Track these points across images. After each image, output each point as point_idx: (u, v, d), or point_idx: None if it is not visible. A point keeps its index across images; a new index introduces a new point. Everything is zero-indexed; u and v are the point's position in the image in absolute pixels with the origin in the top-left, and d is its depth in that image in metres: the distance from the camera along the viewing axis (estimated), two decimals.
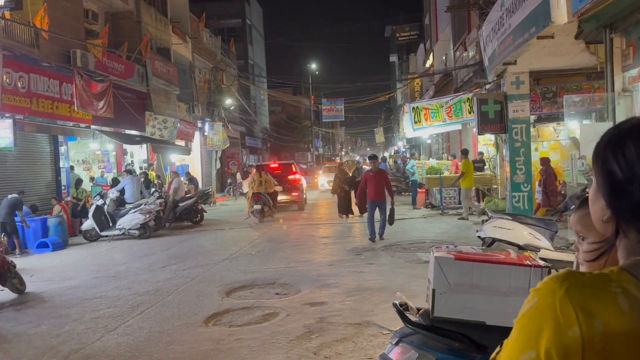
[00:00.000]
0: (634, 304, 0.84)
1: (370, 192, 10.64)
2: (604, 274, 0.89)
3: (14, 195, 11.38)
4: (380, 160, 15.32)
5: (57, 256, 11.11)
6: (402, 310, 2.72)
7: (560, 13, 6.68)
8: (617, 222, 0.94)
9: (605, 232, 0.97)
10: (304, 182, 19.36)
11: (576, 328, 0.84)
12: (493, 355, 1.02)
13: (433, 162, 19.12)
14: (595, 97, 9.91)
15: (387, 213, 10.59)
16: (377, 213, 10.73)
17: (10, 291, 7.65)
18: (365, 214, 11.67)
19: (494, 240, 5.99)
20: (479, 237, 6.29)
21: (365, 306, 6.03)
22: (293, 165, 19.69)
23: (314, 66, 50.01)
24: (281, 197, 17.52)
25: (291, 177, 18.40)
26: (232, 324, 5.80)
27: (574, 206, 6.86)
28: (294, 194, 18.03)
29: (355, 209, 14.13)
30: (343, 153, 75.49)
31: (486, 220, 6.82)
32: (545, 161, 11.89)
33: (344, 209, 14.93)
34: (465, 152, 14.16)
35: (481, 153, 16.15)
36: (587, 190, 6.94)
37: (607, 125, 7.46)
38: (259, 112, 42.71)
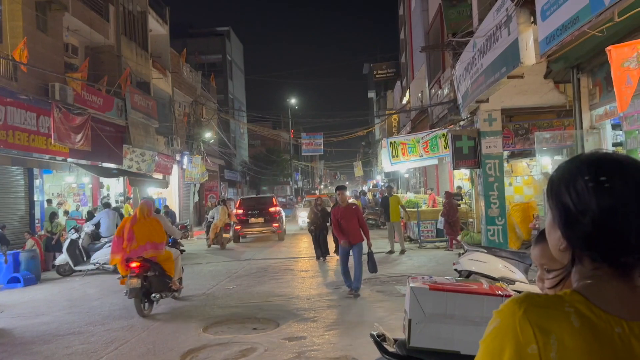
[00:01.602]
0: (585, 322, 0.92)
1: (339, 233, 8.64)
2: (558, 296, 0.97)
3: None
4: (359, 194, 15.05)
5: (29, 291, 10.83)
6: (379, 340, 2.76)
7: (529, 54, 6.99)
8: (573, 251, 1.01)
9: (563, 260, 1.05)
10: (283, 214, 20.50)
11: (534, 345, 0.91)
12: None
13: (411, 195, 19.35)
14: (565, 134, 10.27)
15: (366, 258, 8.80)
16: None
17: None
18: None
19: (470, 273, 6.10)
20: (455, 269, 6.39)
21: (343, 340, 6.02)
22: (274, 199, 20.84)
23: (293, 101, 50.66)
24: (262, 228, 19.01)
25: (272, 209, 19.45)
26: None
27: None
28: (274, 224, 19.15)
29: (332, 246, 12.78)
30: (322, 187, 75.69)
31: (463, 254, 6.94)
32: (448, 195, 13.81)
33: (322, 249, 13.38)
34: (389, 188, 15.78)
35: (459, 187, 16.43)
36: None
37: None
38: (239, 146, 42.82)
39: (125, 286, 7.81)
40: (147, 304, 7.94)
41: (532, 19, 6.98)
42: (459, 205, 15.27)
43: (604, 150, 1.07)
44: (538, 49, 6.78)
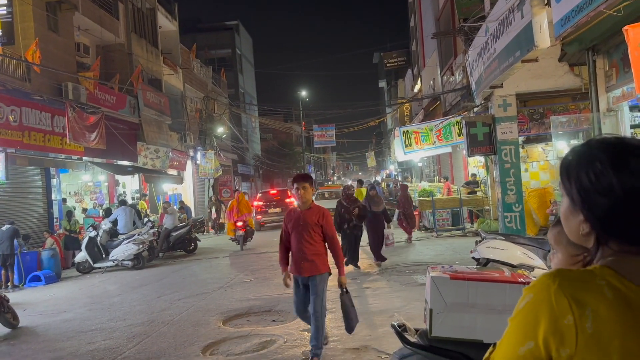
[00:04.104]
0: (617, 294, 0.95)
1: (283, 257, 5.28)
2: (589, 270, 1.00)
3: (9, 225, 11.28)
4: (373, 184, 13.04)
5: (50, 289, 11.00)
6: (400, 331, 2.75)
7: (543, 37, 6.87)
8: (597, 234, 1.03)
9: (586, 244, 1.06)
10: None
11: (570, 316, 0.94)
12: (487, 355, 1.09)
13: (425, 184, 19.25)
14: (582, 118, 10.11)
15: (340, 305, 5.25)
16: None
17: (4, 326, 7.55)
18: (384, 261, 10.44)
19: (488, 260, 6.04)
20: (473, 258, 6.34)
21: (363, 331, 6.02)
22: (288, 191, 23.15)
23: (304, 93, 50.55)
24: (280, 217, 20.42)
25: (287, 200, 21.93)
26: (229, 352, 5.77)
27: None
28: None
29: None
30: (335, 178, 75.64)
31: (480, 241, 6.88)
32: (403, 187, 14.49)
33: (353, 254, 10.43)
34: (360, 182, 17.21)
35: (474, 175, 16.31)
36: None
37: None
38: (251, 140, 42.90)
39: (232, 238, 15.53)
40: (244, 245, 15.13)
41: (545, 1, 6.86)
42: (475, 192, 15.19)
43: (614, 135, 1.08)
44: (552, 31, 6.66)
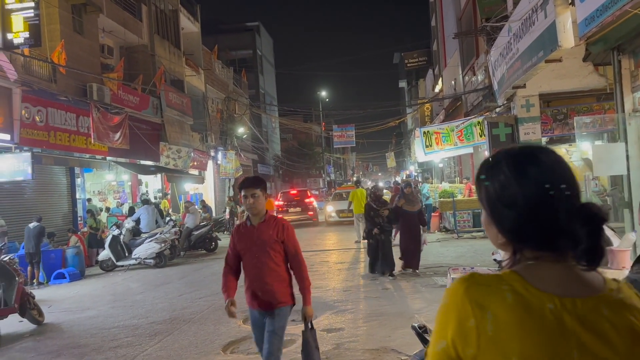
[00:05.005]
0: (517, 298, 0.99)
1: (228, 283, 4.15)
2: (498, 275, 1.05)
3: (36, 223, 11.51)
4: (401, 185, 11.71)
5: (75, 287, 11.21)
6: (420, 332, 2.74)
7: (567, 37, 6.78)
8: (512, 244, 1.09)
9: (506, 251, 1.12)
10: (316, 204, 24.03)
11: (472, 319, 0.99)
12: (426, 349, 1.17)
13: (446, 185, 19.11)
14: (606, 118, 9.93)
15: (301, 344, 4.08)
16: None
17: (30, 322, 7.73)
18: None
19: None
20: (494, 260, 6.29)
21: (382, 331, 6.02)
22: (308, 191, 25.36)
23: (324, 93, 50.57)
24: (300, 216, 22.45)
25: (307, 200, 23.22)
26: (250, 351, 5.81)
27: None
28: (309, 213, 22.65)
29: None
30: (354, 178, 75.46)
31: None
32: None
33: (388, 260, 9.53)
34: (357, 182, 17.83)
35: None
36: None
37: (620, 145, 7.48)
38: (271, 140, 43.11)
39: None
40: None
41: (569, 0, 6.76)
42: None
43: (521, 144, 1.14)
44: (576, 31, 6.56)
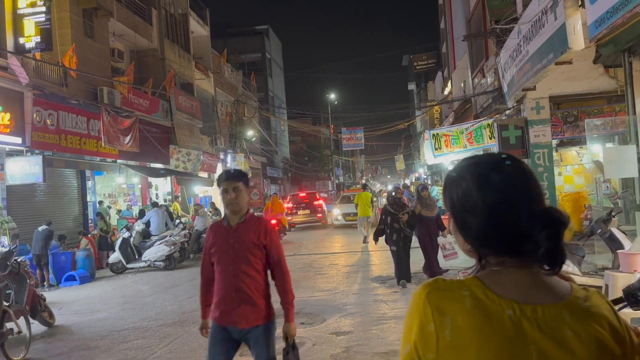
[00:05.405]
0: (477, 304, 1.00)
1: (205, 297, 3.55)
2: (460, 281, 1.06)
3: (45, 227, 11.62)
4: (401, 189, 11.20)
5: (85, 289, 11.28)
6: None
7: (577, 39, 6.74)
8: (477, 250, 1.10)
9: (473, 257, 1.13)
10: (325, 207, 24.46)
11: (432, 324, 1.01)
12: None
13: None
14: (617, 121, 9.86)
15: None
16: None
17: (40, 324, 7.78)
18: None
19: None
20: None
21: (391, 335, 6.00)
22: (317, 194, 25.93)
23: (332, 96, 50.59)
24: (309, 218, 23.20)
25: (316, 202, 23.71)
26: None
27: (600, 230, 6.78)
28: (318, 215, 23.17)
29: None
30: (363, 181, 75.33)
31: None
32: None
33: (406, 270, 8.93)
34: (364, 186, 18.95)
35: None
36: (612, 213, 6.86)
37: (631, 148, 7.42)
38: (280, 143, 43.18)
39: None
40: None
41: (579, 2, 6.72)
42: None
43: (483, 152, 1.15)
44: (587, 33, 6.52)
